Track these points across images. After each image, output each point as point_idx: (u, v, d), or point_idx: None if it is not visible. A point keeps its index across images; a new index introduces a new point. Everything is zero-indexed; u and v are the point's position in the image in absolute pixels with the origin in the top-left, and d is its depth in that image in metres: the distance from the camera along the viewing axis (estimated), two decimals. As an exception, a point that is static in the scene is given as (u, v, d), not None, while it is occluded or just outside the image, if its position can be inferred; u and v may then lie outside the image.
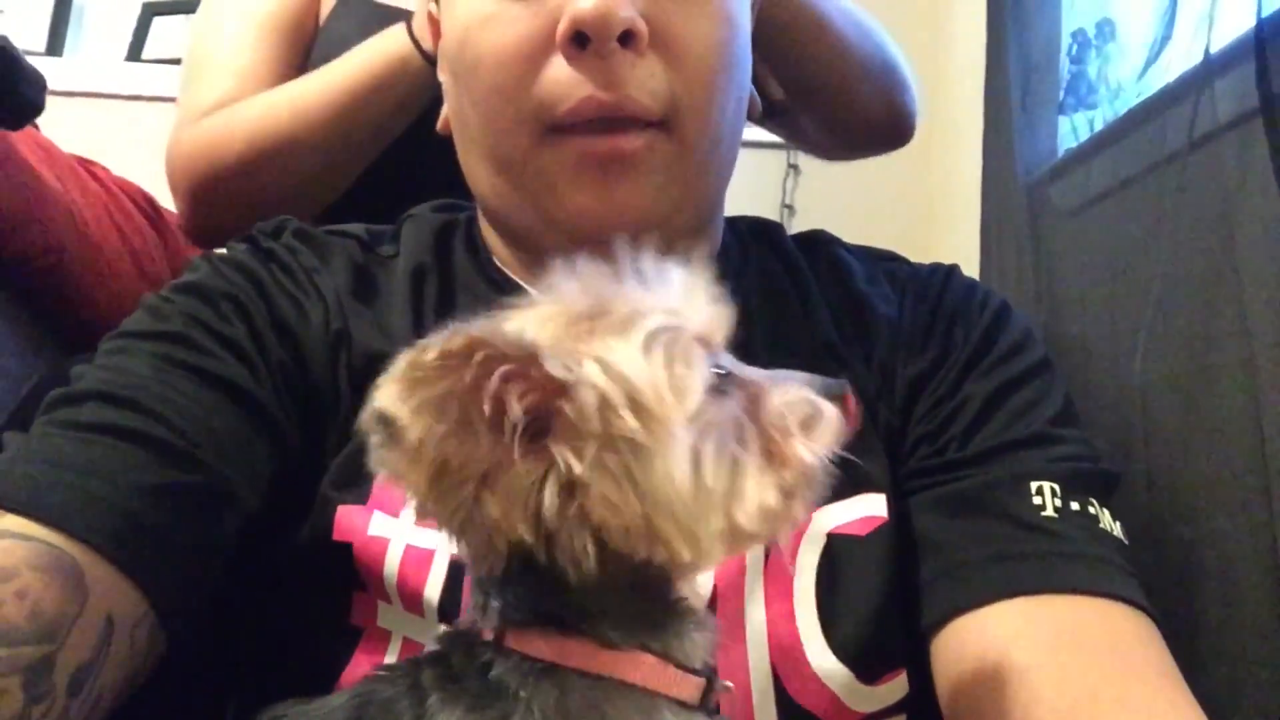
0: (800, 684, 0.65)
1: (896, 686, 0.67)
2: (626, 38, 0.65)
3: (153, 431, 0.61)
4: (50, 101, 0.97)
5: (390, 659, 0.66)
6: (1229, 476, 0.81)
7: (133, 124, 1.95)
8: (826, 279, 0.80)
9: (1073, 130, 1.28)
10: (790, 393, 0.52)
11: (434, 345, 0.43)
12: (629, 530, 0.45)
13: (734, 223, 0.84)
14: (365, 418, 0.44)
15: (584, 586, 0.46)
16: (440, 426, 0.43)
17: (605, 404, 0.44)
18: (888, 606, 0.66)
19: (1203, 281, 0.87)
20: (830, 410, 0.52)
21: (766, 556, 0.67)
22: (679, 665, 0.49)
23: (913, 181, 2.05)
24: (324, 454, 0.69)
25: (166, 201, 1.14)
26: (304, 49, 1.12)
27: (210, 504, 0.62)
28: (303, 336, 0.71)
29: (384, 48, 0.96)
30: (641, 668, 0.48)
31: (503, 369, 0.43)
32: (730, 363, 0.51)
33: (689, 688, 0.49)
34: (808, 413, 0.51)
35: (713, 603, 0.65)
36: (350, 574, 0.67)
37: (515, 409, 0.43)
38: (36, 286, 1.05)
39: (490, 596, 0.49)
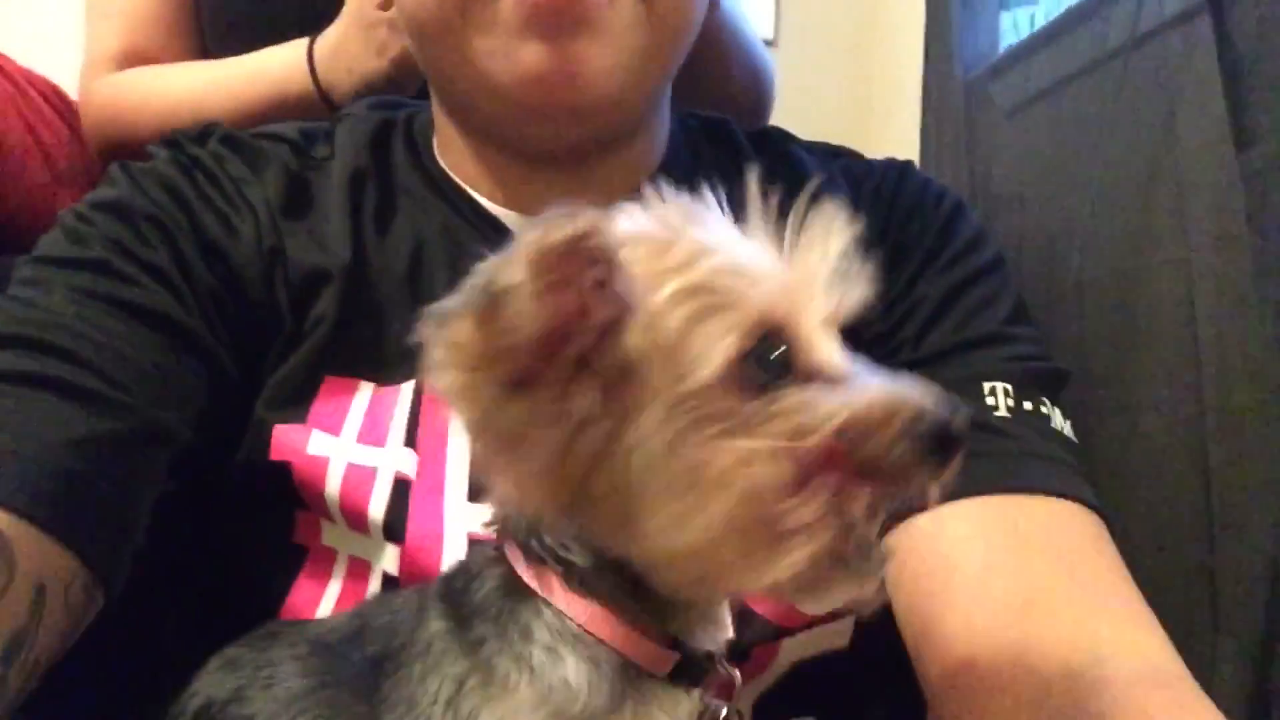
0: None
1: None
2: None
3: (77, 380, 0.58)
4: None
5: (336, 579, 0.66)
6: (1162, 374, 0.83)
7: (37, 14, 1.85)
8: (780, 179, 0.78)
9: (1014, 27, 1.27)
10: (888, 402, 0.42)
11: (556, 230, 0.37)
12: (607, 506, 0.41)
13: (685, 121, 0.82)
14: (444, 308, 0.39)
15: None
16: (539, 312, 0.38)
17: (637, 351, 0.39)
18: None
19: (1142, 180, 0.87)
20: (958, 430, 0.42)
21: None
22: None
23: (853, 78, 2.03)
24: (261, 374, 0.67)
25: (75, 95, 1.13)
26: None
27: (141, 448, 0.59)
28: (233, 256, 0.67)
29: (286, 62, 0.97)
30: (597, 621, 0.46)
31: (593, 272, 0.38)
32: (819, 357, 0.43)
33: (653, 656, 0.47)
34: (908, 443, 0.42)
35: None
36: (290, 493, 0.65)
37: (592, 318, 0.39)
38: (-60, 188, 1.00)
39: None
